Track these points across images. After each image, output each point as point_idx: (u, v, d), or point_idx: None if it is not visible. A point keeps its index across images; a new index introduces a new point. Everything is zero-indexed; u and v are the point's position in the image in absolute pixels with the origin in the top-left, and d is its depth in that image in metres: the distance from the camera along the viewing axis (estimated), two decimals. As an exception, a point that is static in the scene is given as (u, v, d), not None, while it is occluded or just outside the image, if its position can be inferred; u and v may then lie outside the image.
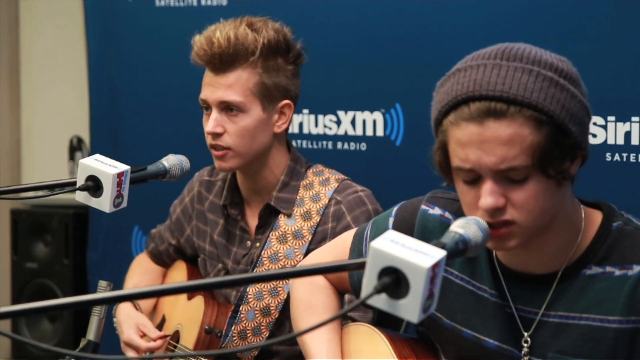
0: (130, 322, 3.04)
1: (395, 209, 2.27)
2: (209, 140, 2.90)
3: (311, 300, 2.34)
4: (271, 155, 2.94)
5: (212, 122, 2.87)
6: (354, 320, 2.65)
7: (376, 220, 2.30)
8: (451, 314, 2.15)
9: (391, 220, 2.24)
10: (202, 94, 2.91)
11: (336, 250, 2.35)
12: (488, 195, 1.91)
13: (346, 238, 2.35)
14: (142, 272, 3.26)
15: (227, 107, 2.87)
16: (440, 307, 2.15)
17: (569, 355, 2.01)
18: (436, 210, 2.18)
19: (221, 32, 2.85)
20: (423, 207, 2.20)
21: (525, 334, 2.07)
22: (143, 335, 3.01)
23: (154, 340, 2.98)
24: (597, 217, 2.07)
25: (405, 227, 2.20)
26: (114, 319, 3.12)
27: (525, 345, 2.07)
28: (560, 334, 2.03)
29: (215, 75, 2.87)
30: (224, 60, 2.84)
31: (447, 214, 2.16)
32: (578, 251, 2.03)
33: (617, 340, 1.97)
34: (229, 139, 2.87)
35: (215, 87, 2.86)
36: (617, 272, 1.99)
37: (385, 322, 2.55)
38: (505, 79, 1.91)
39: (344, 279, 2.32)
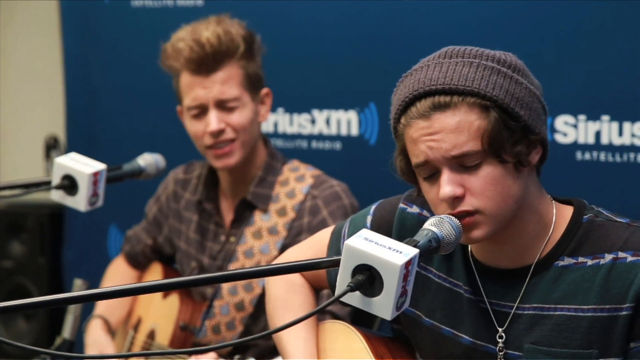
0: (95, 348, 3.05)
1: (373, 207, 2.29)
2: (207, 141, 2.90)
3: (287, 298, 2.35)
4: (256, 149, 2.98)
5: (214, 120, 2.87)
6: (333, 313, 2.66)
7: (354, 218, 2.32)
8: (430, 312, 2.17)
9: (369, 219, 2.26)
10: (193, 99, 2.89)
11: (314, 248, 2.35)
12: (445, 185, 1.96)
13: (323, 235, 2.36)
14: (118, 279, 3.26)
15: (225, 104, 2.88)
16: (419, 306, 2.18)
17: (545, 346, 2.03)
18: (414, 209, 2.20)
19: (208, 31, 2.87)
20: (401, 205, 2.22)
21: (500, 330, 2.08)
22: None
23: None
24: (568, 211, 2.09)
25: (384, 225, 2.22)
26: (84, 334, 3.12)
27: (500, 340, 2.08)
28: (535, 326, 2.04)
29: (205, 76, 2.87)
30: (217, 58, 2.87)
31: (425, 212, 2.18)
32: (550, 244, 2.06)
33: (591, 329, 1.99)
34: (232, 132, 2.89)
35: (209, 88, 2.87)
36: (590, 262, 2.01)
37: (360, 317, 2.57)
38: (447, 73, 1.97)
39: (321, 276, 2.33)
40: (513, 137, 1.95)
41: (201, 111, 2.90)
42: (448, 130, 1.94)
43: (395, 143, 2.05)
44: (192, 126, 2.93)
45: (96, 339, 3.07)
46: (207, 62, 2.86)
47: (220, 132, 2.88)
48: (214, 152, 2.90)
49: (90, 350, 3.06)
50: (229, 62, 2.88)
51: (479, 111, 1.94)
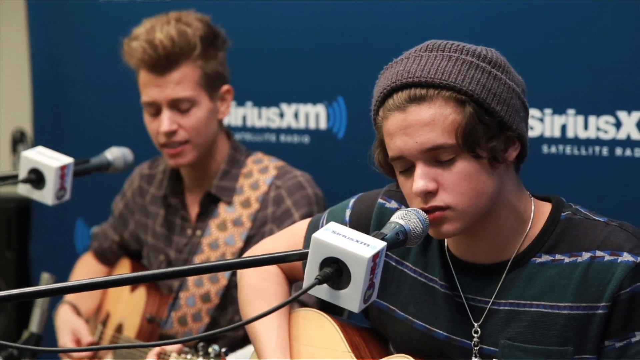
0: (67, 327, 3.05)
1: (352, 200, 2.29)
2: (160, 139, 2.91)
3: (261, 287, 2.35)
4: (215, 144, 2.98)
5: (166, 121, 2.88)
6: (302, 303, 2.67)
7: (333, 210, 2.32)
8: (404, 306, 2.18)
9: (348, 212, 2.27)
10: (148, 96, 2.90)
11: (290, 240, 2.35)
12: (419, 179, 1.96)
13: (300, 226, 2.37)
14: (85, 274, 3.26)
15: (178, 104, 2.88)
16: (394, 300, 2.19)
17: (520, 342, 2.04)
18: (393, 204, 2.21)
19: (162, 33, 2.86)
20: (380, 200, 2.23)
21: (475, 325, 2.09)
22: (78, 341, 3.02)
23: (86, 345, 2.99)
24: (546, 208, 2.10)
25: (362, 219, 2.23)
26: (54, 321, 3.12)
27: (475, 335, 2.09)
28: (511, 322, 2.06)
29: (159, 75, 2.87)
30: (171, 59, 2.86)
31: (403, 208, 2.18)
32: (527, 240, 2.07)
33: (567, 326, 2.00)
34: (185, 133, 2.89)
35: (163, 87, 2.87)
36: (567, 260, 2.02)
37: (328, 308, 2.58)
38: (425, 66, 1.97)
39: (296, 267, 2.34)
40: (488, 132, 1.95)
41: (156, 110, 2.91)
42: (422, 124, 1.95)
43: (374, 135, 2.05)
44: (149, 123, 2.95)
45: (67, 320, 3.07)
46: (160, 63, 2.86)
47: (173, 132, 2.88)
48: (167, 150, 2.92)
49: (62, 331, 3.04)
50: (185, 63, 2.88)
51: (454, 105, 1.95)
